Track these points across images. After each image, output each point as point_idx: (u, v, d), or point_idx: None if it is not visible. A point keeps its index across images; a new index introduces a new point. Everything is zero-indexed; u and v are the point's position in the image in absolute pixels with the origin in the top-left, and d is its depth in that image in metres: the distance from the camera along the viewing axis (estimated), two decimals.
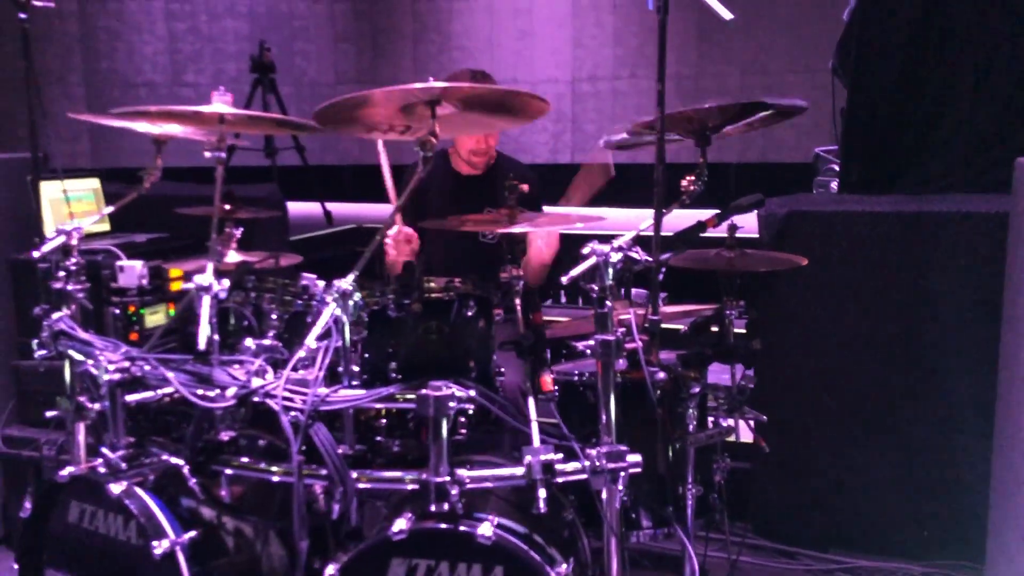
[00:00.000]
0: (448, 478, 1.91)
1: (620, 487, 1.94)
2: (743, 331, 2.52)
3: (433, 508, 1.93)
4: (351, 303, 1.98)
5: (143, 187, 2.66)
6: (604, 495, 1.99)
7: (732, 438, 2.45)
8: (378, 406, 2.03)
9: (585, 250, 2.01)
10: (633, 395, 2.12)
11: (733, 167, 6.23)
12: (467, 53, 6.64)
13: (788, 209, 3.09)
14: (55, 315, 2.42)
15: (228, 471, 2.13)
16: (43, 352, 2.43)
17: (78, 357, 2.30)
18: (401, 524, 1.91)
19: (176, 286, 3.47)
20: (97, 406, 2.37)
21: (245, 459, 2.14)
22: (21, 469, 3.17)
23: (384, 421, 2.17)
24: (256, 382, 1.99)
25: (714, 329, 2.42)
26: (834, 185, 4.86)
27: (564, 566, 1.95)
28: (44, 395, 3.19)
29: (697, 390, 2.24)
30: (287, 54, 6.69)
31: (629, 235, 2.04)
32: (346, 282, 1.99)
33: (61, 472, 2.23)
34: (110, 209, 2.56)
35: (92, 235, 3.44)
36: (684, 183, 2.24)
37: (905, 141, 3.48)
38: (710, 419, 2.37)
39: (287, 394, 1.94)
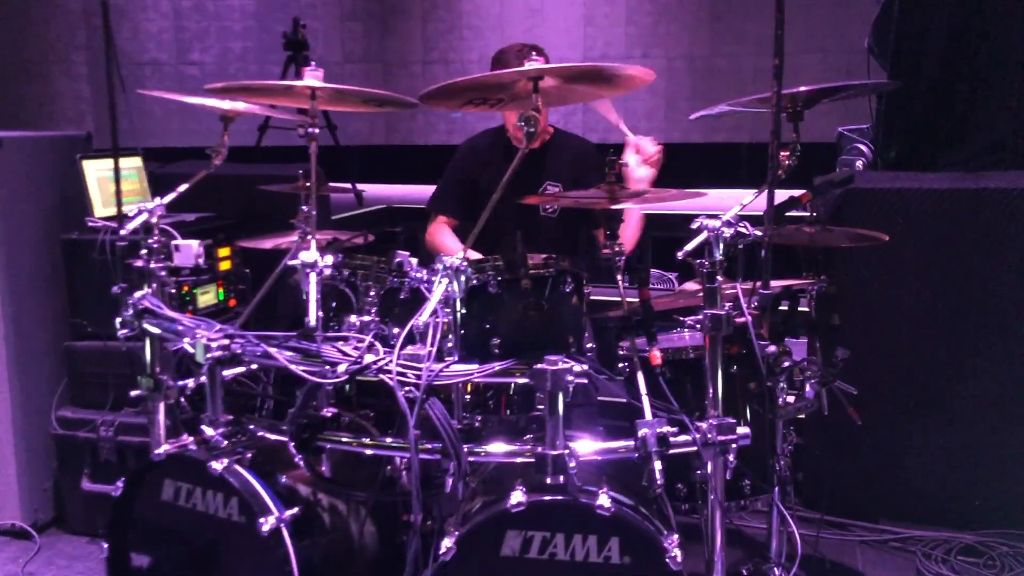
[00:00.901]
0: (565, 451, 1.93)
1: (732, 459, 1.98)
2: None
3: (549, 481, 1.95)
4: (462, 279, 1.99)
5: (212, 165, 2.63)
6: (710, 468, 2.03)
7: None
8: (489, 381, 2.03)
9: (695, 225, 2.03)
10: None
11: (744, 147, 6.27)
12: (477, 32, 6.61)
13: (845, 187, 3.12)
14: (138, 293, 2.40)
15: (330, 447, 2.12)
16: (125, 331, 2.41)
17: (169, 335, 2.28)
18: (518, 496, 1.93)
19: (225, 265, 3.45)
20: (184, 383, 2.37)
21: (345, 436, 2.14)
22: (76, 450, 3.14)
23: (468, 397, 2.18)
24: (368, 358, 1.98)
25: (783, 306, 2.45)
26: (859, 164, 4.93)
27: (675, 535, 1.98)
28: (98, 376, 3.16)
29: (788, 364, 2.26)
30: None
31: (735, 210, 2.06)
32: (456, 258, 2.00)
33: (156, 451, 2.22)
34: (184, 187, 2.53)
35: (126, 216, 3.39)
36: (785, 159, 2.26)
37: (947, 120, 3.52)
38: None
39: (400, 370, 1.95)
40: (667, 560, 1.90)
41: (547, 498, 1.93)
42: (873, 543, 3.15)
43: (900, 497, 3.23)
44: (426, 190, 4.51)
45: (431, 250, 3.12)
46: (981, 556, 2.99)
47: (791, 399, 2.31)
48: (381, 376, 1.96)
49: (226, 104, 2.63)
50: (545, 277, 2.12)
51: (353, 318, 2.12)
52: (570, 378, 1.89)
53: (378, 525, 2.41)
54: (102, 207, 3.26)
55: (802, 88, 2.27)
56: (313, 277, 2.07)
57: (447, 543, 1.95)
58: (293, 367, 2.01)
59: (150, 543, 2.30)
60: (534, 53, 2.59)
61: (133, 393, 2.42)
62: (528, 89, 2.13)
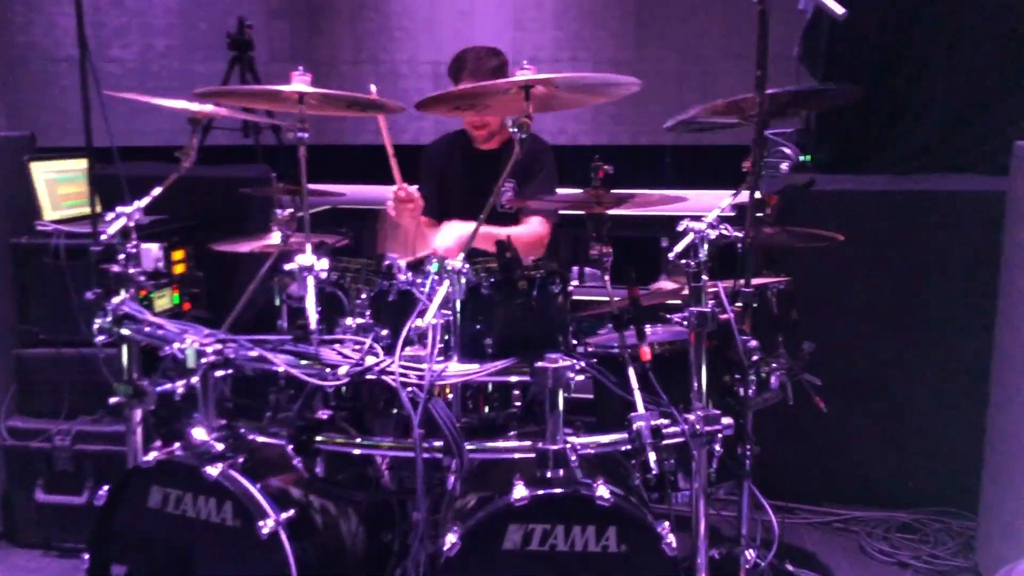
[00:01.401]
0: (566, 446, 2.00)
1: (718, 448, 2.09)
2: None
3: (549, 475, 2.03)
4: (462, 280, 2.05)
5: (182, 167, 2.60)
6: (695, 457, 2.14)
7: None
8: (491, 380, 2.09)
9: (680, 227, 2.14)
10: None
11: (669, 149, 6.47)
12: (407, 33, 6.62)
13: (807, 190, 3.29)
14: (116, 299, 2.36)
15: (329, 448, 2.14)
16: (102, 337, 2.36)
17: (153, 341, 2.26)
18: (521, 491, 1.99)
19: (179, 269, 3.40)
20: (173, 388, 2.33)
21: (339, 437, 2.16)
22: (28, 461, 3.05)
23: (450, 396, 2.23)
24: (370, 360, 2.02)
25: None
26: (784, 166, 5.16)
27: (666, 523, 2.08)
28: (51, 384, 3.07)
29: (757, 357, 2.39)
30: (220, 30, 6.47)
31: (715, 212, 2.17)
32: (457, 260, 2.05)
33: (145, 458, 2.19)
34: (159, 190, 2.49)
35: (83, 217, 3.31)
36: (745, 166, 2.38)
37: (877, 123, 3.74)
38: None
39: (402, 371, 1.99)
40: (663, 547, 2.00)
41: (549, 491, 2.00)
42: (818, 524, 3.34)
43: (841, 480, 3.43)
44: (363, 190, 4.54)
45: (401, 244, 3.12)
46: (916, 533, 3.22)
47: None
48: (383, 377, 2.00)
49: (195, 107, 2.62)
50: (534, 277, 2.20)
51: (349, 320, 2.14)
52: (571, 375, 1.97)
53: (366, 525, 2.44)
54: (51, 210, 3.17)
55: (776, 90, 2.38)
56: (311, 280, 2.08)
57: (451, 539, 1.99)
58: (294, 370, 2.03)
59: (134, 552, 2.27)
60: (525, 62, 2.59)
61: (112, 400, 2.37)
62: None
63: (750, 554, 2.46)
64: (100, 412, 3.06)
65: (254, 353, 2.11)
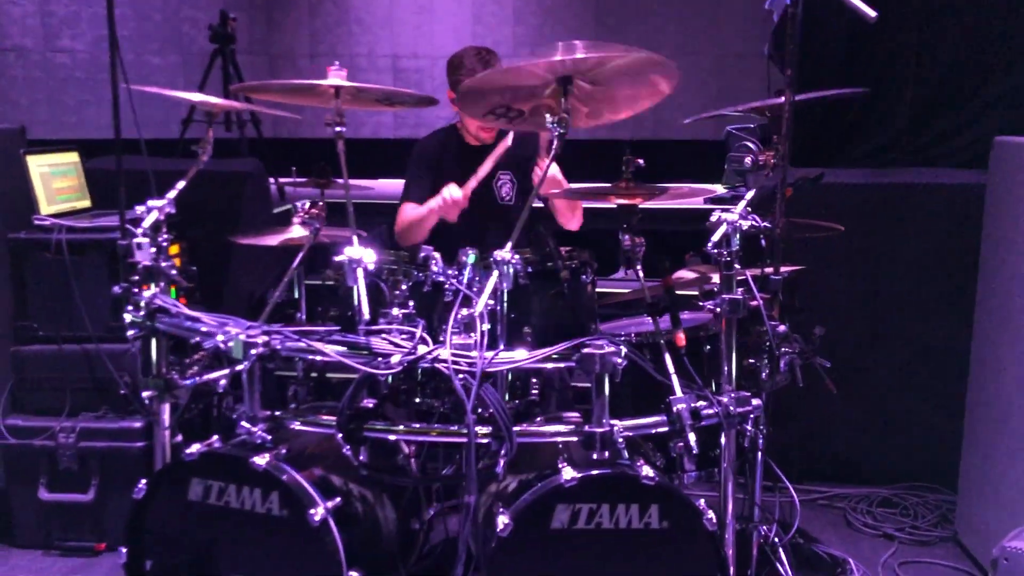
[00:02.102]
0: (611, 428, 2.09)
1: (749, 428, 2.21)
2: None
3: (595, 456, 2.11)
4: (509, 271, 2.12)
5: (200, 160, 2.61)
6: (724, 438, 2.25)
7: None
8: (540, 367, 2.16)
9: (713, 217, 2.25)
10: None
11: (627, 144, 6.59)
12: (365, 27, 6.60)
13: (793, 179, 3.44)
14: (147, 292, 2.35)
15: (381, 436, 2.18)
16: (134, 331, 2.35)
17: (194, 335, 2.26)
18: (570, 472, 2.07)
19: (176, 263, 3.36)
20: (218, 381, 2.34)
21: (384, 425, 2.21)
22: (29, 460, 2.99)
23: None
24: (422, 349, 2.07)
25: None
26: (748, 161, 5.34)
27: (702, 499, 2.19)
28: (51, 382, 3.03)
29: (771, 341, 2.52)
30: (174, 22, 6.37)
31: (742, 204, 2.29)
32: (505, 251, 2.11)
33: (188, 451, 2.20)
34: (182, 184, 2.48)
35: (76, 212, 3.26)
36: (763, 158, 2.51)
37: (848, 118, 3.93)
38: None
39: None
40: (704, 522, 2.10)
41: (598, 472, 2.09)
42: (804, 502, 3.50)
43: (823, 460, 3.60)
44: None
45: (406, 228, 3.14)
46: (896, 507, 3.41)
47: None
48: (436, 365, 2.05)
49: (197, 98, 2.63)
50: (572, 267, 2.28)
51: (396, 311, 2.18)
52: (618, 360, 2.06)
53: (397, 512, 2.49)
54: (47, 204, 3.11)
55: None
56: (360, 272, 2.12)
57: (503, 520, 2.05)
58: (347, 360, 2.07)
59: (172, 545, 2.28)
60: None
61: (145, 394, 2.37)
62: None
63: (763, 529, 2.60)
64: (104, 408, 3.02)
65: (301, 344, 2.13)
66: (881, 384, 3.51)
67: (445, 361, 2.04)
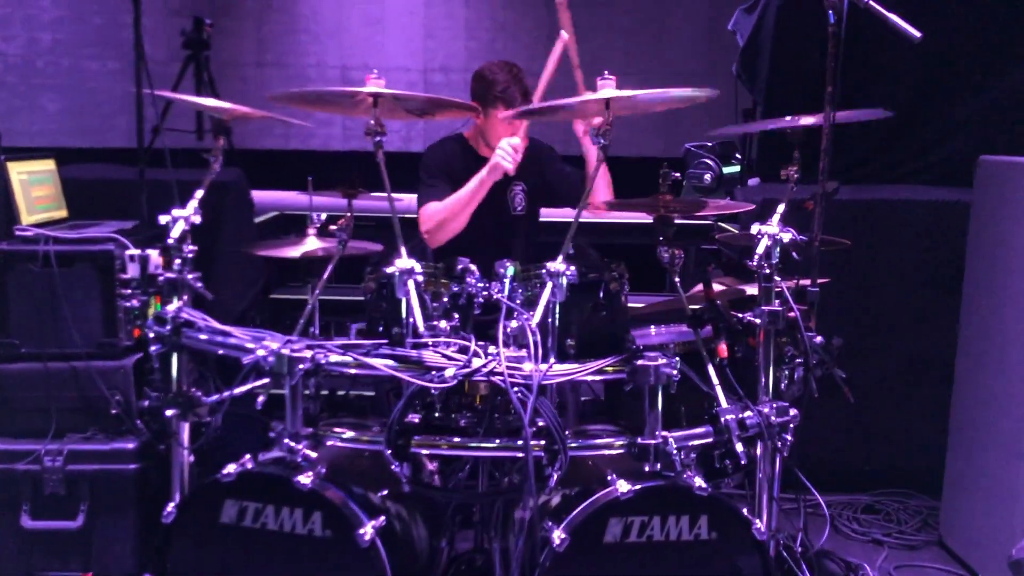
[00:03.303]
0: (663, 440, 2.10)
1: (789, 438, 2.25)
2: None
3: (647, 468, 2.12)
4: (563, 283, 2.11)
5: (213, 169, 2.51)
6: (761, 448, 2.29)
7: None
8: (592, 378, 2.15)
9: (753, 230, 2.29)
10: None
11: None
12: (314, 37, 6.49)
13: (763, 196, 3.52)
14: (171, 306, 2.25)
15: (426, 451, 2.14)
16: (157, 346, 2.25)
17: (227, 350, 2.17)
18: (625, 485, 2.07)
19: None
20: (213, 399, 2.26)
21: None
22: (11, 486, 2.81)
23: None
24: (476, 362, 2.03)
25: None
26: (708, 177, 5.47)
27: (744, 509, 2.22)
28: (34, 402, 2.85)
29: (792, 353, 2.57)
30: (114, 27, 6.11)
31: (776, 218, 2.33)
32: (558, 263, 2.11)
33: (224, 471, 2.10)
34: (200, 193, 2.38)
35: (53, 222, 3.10)
36: (784, 173, 2.57)
37: (818, 137, 4.04)
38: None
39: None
40: (753, 531, 2.13)
41: (653, 484, 2.09)
42: (791, 510, 3.57)
43: (806, 467, 3.68)
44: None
45: (441, 222, 3.07)
46: (879, 513, 3.52)
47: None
48: (492, 378, 2.02)
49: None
50: (617, 279, 2.29)
51: (443, 323, 2.14)
52: (673, 372, 2.07)
53: (429, 528, 2.44)
54: (27, 214, 2.94)
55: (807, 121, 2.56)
56: (411, 283, 2.08)
57: (559, 534, 2.03)
58: (402, 374, 2.02)
59: (201, 571, 2.18)
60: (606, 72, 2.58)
61: (168, 413, 2.25)
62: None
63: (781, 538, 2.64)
64: (92, 429, 2.87)
65: (346, 358, 2.07)
66: (863, 394, 3.61)
67: (501, 374, 2.01)
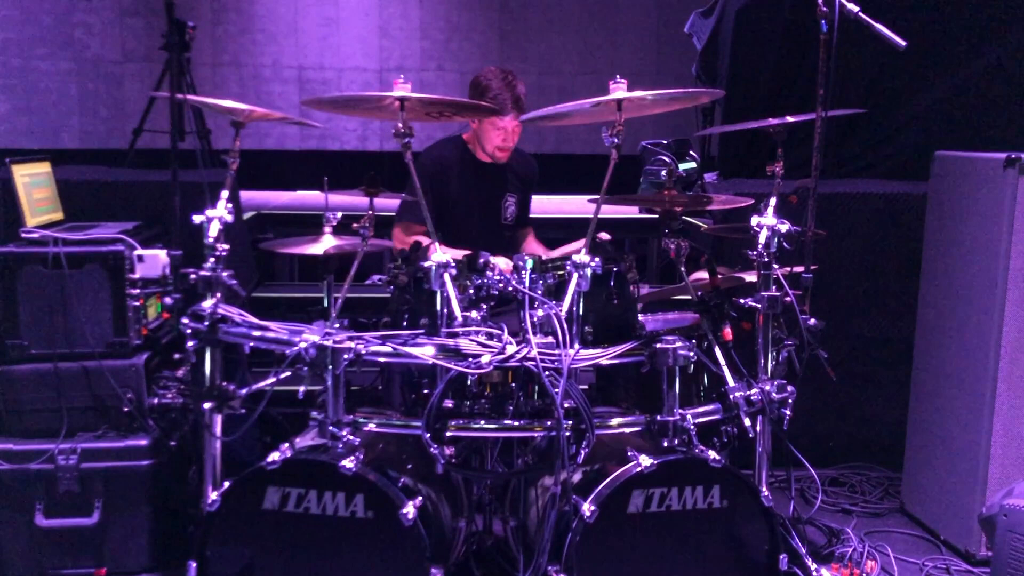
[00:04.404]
0: (681, 417, 2.28)
1: (788, 413, 2.46)
2: None
3: (665, 443, 2.29)
4: (588, 273, 2.26)
5: (231, 170, 2.59)
6: (760, 423, 2.49)
7: None
8: (614, 362, 2.30)
9: (754, 221, 2.48)
10: None
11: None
12: (270, 36, 6.50)
13: (734, 191, 3.74)
14: (207, 303, 2.33)
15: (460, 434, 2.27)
16: (193, 343, 2.32)
17: (267, 344, 2.26)
18: (647, 460, 2.24)
19: None
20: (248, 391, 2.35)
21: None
22: (22, 485, 2.83)
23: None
24: (510, 349, 2.17)
25: None
26: (663, 173, 5.67)
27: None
28: (44, 403, 2.88)
29: (778, 334, 2.78)
30: (66, 26, 6.04)
31: (770, 210, 2.53)
32: (583, 255, 2.26)
33: (269, 459, 2.20)
34: (225, 194, 2.46)
35: (52, 224, 3.12)
36: (769, 169, 2.77)
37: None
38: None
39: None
40: (762, 499, 2.32)
41: (673, 457, 2.26)
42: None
43: (776, 444, 3.92)
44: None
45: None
46: (843, 485, 3.77)
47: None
48: (525, 364, 2.17)
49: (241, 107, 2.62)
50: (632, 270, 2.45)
51: (474, 313, 2.27)
52: (691, 355, 2.25)
53: (453, 509, 2.56)
54: (30, 216, 2.96)
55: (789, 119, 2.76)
56: (447, 277, 2.21)
57: (588, 507, 2.19)
58: (442, 360, 2.15)
59: (243, 556, 2.27)
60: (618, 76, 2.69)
61: (206, 406, 2.34)
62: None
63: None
64: (103, 427, 2.91)
65: (387, 348, 2.19)
66: (826, 375, 3.86)
67: (533, 360, 2.16)
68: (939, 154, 3.33)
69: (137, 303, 2.93)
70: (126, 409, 2.89)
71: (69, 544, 2.88)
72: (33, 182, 3.04)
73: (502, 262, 2.62)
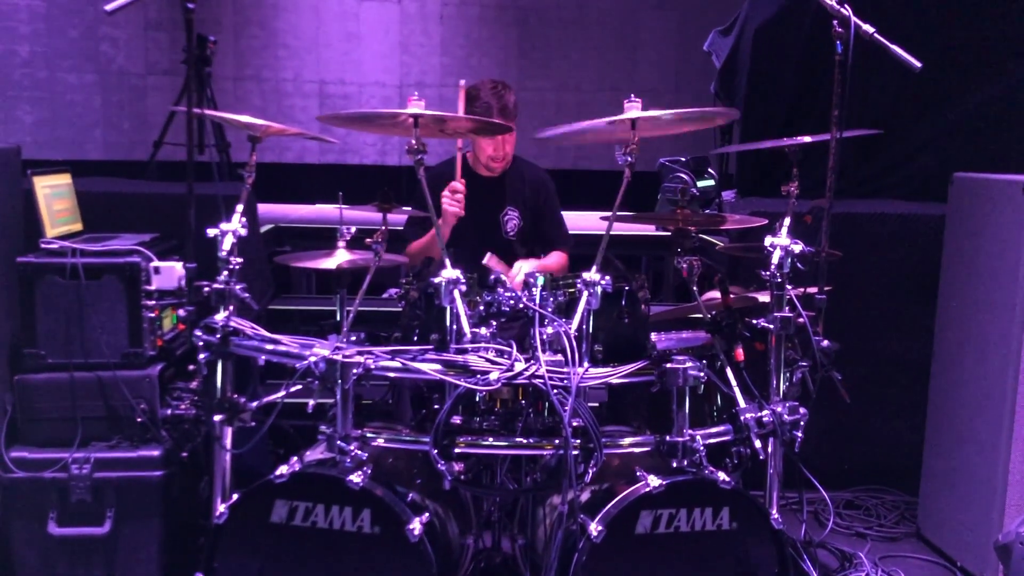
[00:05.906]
0: (690, 438, 2.26)
1: (799, 435, 2.43)
2: None
3: (674, 464, 2.28)
4: (598, 291, 2.26)
5: (247, 183, 2.61)
6: (772, 445, 2.47)
7: None
8: (623, 381, 2.30)
9: (767, 241, 2.47)
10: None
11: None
12: (292, 52, 6.57)
13: (751, 210, 3.72)
14: (219, 316, 2.34)
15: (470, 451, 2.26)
16: (205, 355, 2.34)
17: (278, 357, 2.28)
18: (656, 480, 2.22)
19: None
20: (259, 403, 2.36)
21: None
22: (36, 494, 2.85)
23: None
24: (518, 366, 2.17)
25: None
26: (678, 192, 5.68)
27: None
28: (60, 412, 2.90)
29: (792, 355, 2.76)
30: (92, 39, 6.12)
31: (784, 230, 2.52)
32: (592, 273, 2.26)
33: (277, 472, 2.21)
34: (240, 207, 2.48)
35: (72, 235, 3.15)
36: (784, 189, 2.76)
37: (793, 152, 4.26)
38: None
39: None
40: (772, 521, 2.30)
41: (682, 478, 2.25)
42: (782, 506, 3.76)
43: (788, 466, 3.89)
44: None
45: (412, 257, 3.21)
46: (858, 509, 3.73)
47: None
48: (533, 381, 2.16)
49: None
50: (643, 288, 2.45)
51: (483, 330, 2.28)
52: (701, 375, 2.24)
53: (460, 525, 2.56)
54: (50, 227, 3.00)
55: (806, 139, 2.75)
56: (457, 293, 2.21)
57: (596, 527, 2.18)
58: (449, 378, 2.15)
59: (250, 570, 2.27)
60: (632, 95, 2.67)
61: (216, 418, 2.35)
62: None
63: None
64: (116, 438, 2.93)
65: (396, 363, 2.20)
66: (841, 397, 3.83)
67: (541, 377, 2.15)
68: (957, 176, 3.31)
69: (152, 314, 2.95)
70: (139, 420, 2.91)
71: (81, 553, 2.90)
72: (54, 193, 3.08)
73: (493, 261, 2.64)
